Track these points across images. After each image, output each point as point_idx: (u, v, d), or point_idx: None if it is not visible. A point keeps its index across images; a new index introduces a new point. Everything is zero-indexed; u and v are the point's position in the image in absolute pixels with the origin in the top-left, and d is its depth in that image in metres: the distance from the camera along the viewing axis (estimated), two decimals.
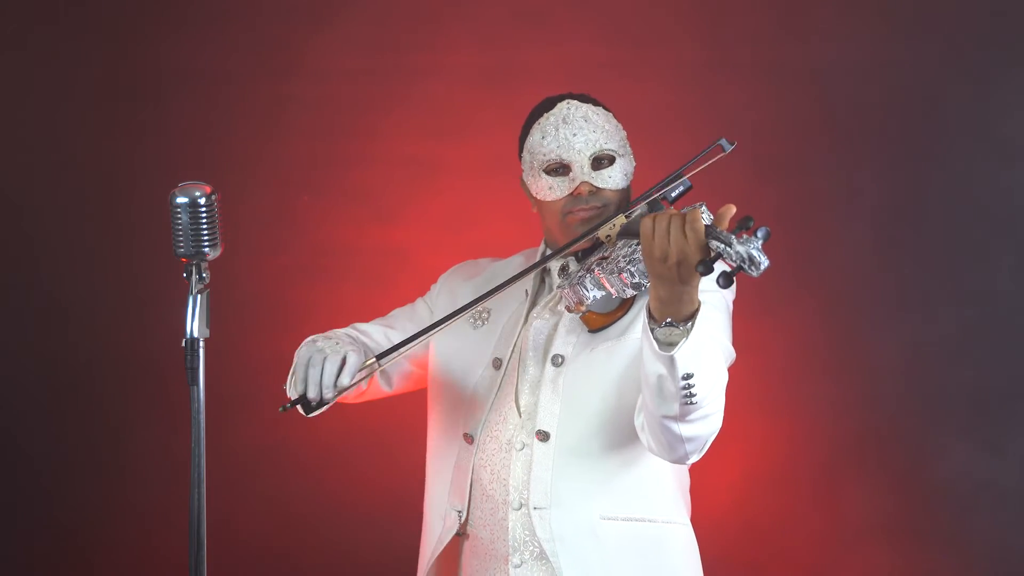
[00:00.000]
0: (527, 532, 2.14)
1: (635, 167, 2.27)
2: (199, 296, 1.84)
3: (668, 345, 1.87)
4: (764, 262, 1.75)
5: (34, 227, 3.68)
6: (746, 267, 1.75)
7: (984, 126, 3.42)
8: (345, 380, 2.08)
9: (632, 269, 1.97)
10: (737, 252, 1.75)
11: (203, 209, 1.81)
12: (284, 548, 3.61)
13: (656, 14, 3.53)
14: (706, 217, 1.91)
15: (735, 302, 2.27)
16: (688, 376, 1.87)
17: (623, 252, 2.02)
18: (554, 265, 2.27)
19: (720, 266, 1.79)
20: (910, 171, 3.45)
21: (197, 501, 1.82)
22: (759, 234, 1.76)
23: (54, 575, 3.65)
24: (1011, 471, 3.38)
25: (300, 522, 3.61)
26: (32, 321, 3.67)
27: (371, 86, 3.61)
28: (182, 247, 1.82)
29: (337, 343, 2.12)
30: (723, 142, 2.06)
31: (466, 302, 2.28)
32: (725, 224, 1.82)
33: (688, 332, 1.86)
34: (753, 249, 1.75)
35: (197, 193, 1.81)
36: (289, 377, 2.26)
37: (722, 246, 1.78)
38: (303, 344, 2.23)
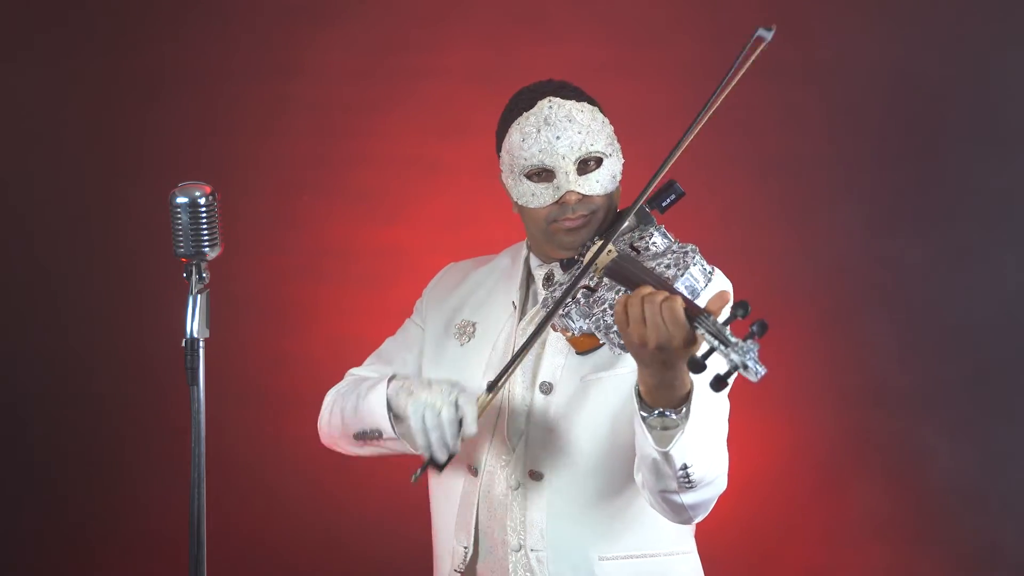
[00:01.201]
0: (528, 573, 2.08)
1: (624, 163, 2.15)
2: (199, 296, 1.84)
3: (663, 431, 1.79)
4: (760, 372, 1.59)
5: (34, 227, 3.68)
6: (742, 372, 1.60)
7: (984, 126, 3.42)
8: (471, 430, 1.91)
9: (618, 331, 1.83)
10: (731, 360, 1.60)
11: (203, 209, 1.81)
12: (284, 548, 3.61)
13: (656, 14, 3.53)
14: (700, 266, 1.82)
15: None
16: (686, 467, 1.81)
17: (609, 298, 1.90)
18: (539, 274, 2.15)
19: (713, 360, 1.63)
20: (910, 171, 3.45)
21: (197, 501, 1.82)
22: (754, 330, 1.60)
23: (55, 574, 3.65)
24: (1011, 470, 3.38)
25: (300, 522, 3.61)
26: (32, 321, 3.67)
27: (371, 86, 3.61)
28: (182, 247, 1.82)
29: (440, 389, 1.93)
30: (761, 32, 1.89)
31: (451, 317, 2.20)
32: (718, 311, 1.69)
33: (682, 423, 1.78)
34: (749, 359, 1.59)
35: (197, 193, 1.81)
36: (354, 411, 2.11)
37: (717, 343, 1.63)
38: (371, 392, 2.05)
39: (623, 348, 1.85)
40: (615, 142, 2.12)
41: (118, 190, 3.65)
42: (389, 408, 2.03)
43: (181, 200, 1.80)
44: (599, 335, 1.89)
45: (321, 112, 3.63)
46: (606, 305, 1.89)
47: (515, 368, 1.98)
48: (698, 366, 1.61)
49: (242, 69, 3.63)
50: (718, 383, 1.60)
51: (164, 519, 3.50)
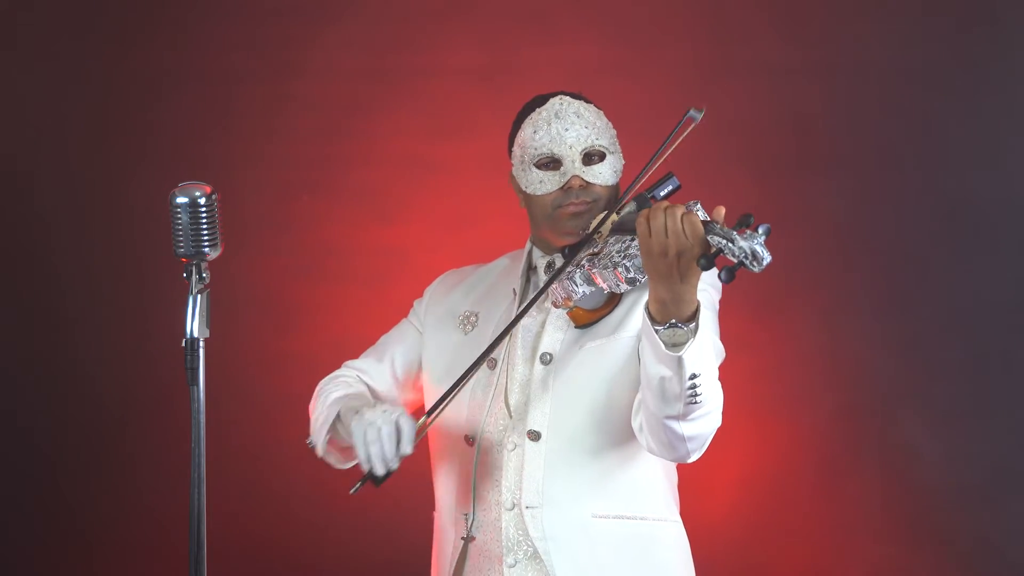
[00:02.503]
0: (520, 532, 2.14)
1: (624, 166, 2.27)
2: (199, 296, 1.84)
3: (674, 346, 1.88)
4: (767, 257, 1.75)
5: (34, 227, 3.68)
6: (748, 262, 1.75)
7: (985, 126, 3.42)
8: (407, 448, 2.06)
9: (628, 264, 1.97)
10: (740, 248, 1.75)
11: (203, 209, 1.81)
12: (284, 548, 3.61)
13: (656, 14, 3.53)
14: (702, 215, 1.91)
15: (728, 302, 2.27)
16: (694, 376, 1.89)
17: (616, 248, 2.02)
18: (540, 263, 2.27)
19: (721, 262, 1.79)
20: (910, 171, 3.45)
21: (197, 501, 1.82)
22: (760, 230, 1.76)
23: (55, 574, 3.65)
24: (1010, 469, 3.38)
25: (300, 522, 3.61)
26: (32, 321, 3.67)
27: (371, 86, 3.60)
28: (182, 247, 1.82)
29: (384, 411, 2.08)
30: (692, 113, 2.06)
31: (456, 309, 2.33)
32: (722, 221, 1.83)
33: (693, 332, 1.88)
34: (756, 244, 1.75)
35: (197, 193, 1.81)
36: (317, 431, 2.25)
37: (724, 241, 1.77)
38: (332, 402, 2.23)
39: (630, 283, 1.99)
40: (617, 144, 2.28)
41: (118, 190, 3.64)
42: (336, 427, 2.20)
43: (181, 200, 1.81)
44: (606, 275, 2.00)
45: (321, 112, 3.62)
46: (612, 252, 2.01)
47: (466, 383, 2.14)
48: (709, 262, 1.77)
49: (242, 69, 3.63)
50: (728, 273, 1.76)
51: (164, 519, 3.50)
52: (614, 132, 2.28)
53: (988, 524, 3.39)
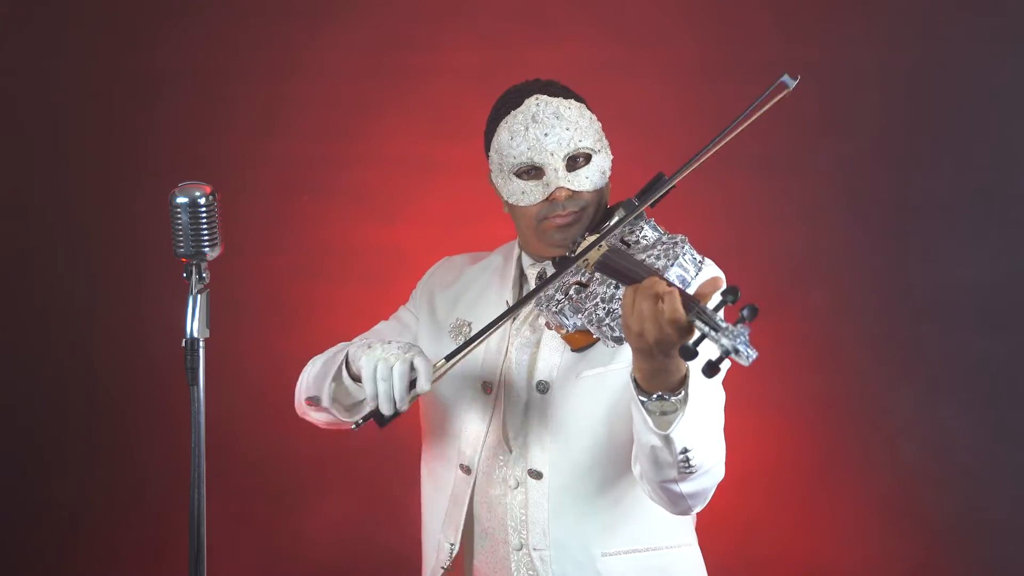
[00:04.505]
0: (531, 572, 2.10)
1: (616, 160, 2.16)
2: (199, 296, 1.84)
3: (662, 416, 1.79)
4: (752, 355, 1.59)
5: (34, 227, 3.68)
6: (733, 356, 1.60)
7: (984, 126, 3.42)
8: (425, 385, 1.89)
9: (611, 324, 1.86)
10: (722, 345, 1.60)
11: (203, 209, 1.81)
12: (285, 548, 3.61)
13: (656, 14, 3.54)
14: (687, 258, 1.82)
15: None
16: (686, 451, 1.81)
17: (601, 292, 1.91)
18: (531, 273, 2.16)
19: (705, 346, 1.64)
20: (910, 171, 3.45)
21: (197, 501, 1.82)
22: (745, 314, 1.60)
23: (54, 574, 3.65)
24: (1009, 468, 3.39)
25: (301, 522, 3.61)
26: (32, 321, 3.67)
27: (371, 86, 3.61)
28: (182, 247, 1.82)
29: (399, 346, 1.92)
30: (786, 78, 1.91)
31: (446, 316, 2.23)
32: (708, 298, 1.70)
33: (683, 403, 1.78)
34: (740, 343, 1.59)
35: (197, 193, 1.81)
36: (318, 381, 2.10)
37: (707, 329, 1.63)
38: (335, 351, 2.08)
39: (617, 341, 1.86)
40: (603, 138, 2.13)
41: (118, 190, 3.65)
42: (347, 366, 2.03)
43: (181, 200, 1.80)
44: (592, 329, 1.89)
45: (321, 112, 3.63)
46: (598, 299, 1.89)
47: (480, 343, 1.96)
48: (689, 353, 1.61)
49: (242, 69, 3.63)
50: (710, 369, 1.59)
51: (164, 519, 3.50)
52: (599, 126, 2.13)
53: (989, 520, 3.39)
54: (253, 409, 3.57)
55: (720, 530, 3.38)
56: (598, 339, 1.95)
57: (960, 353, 3.41)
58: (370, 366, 1.91)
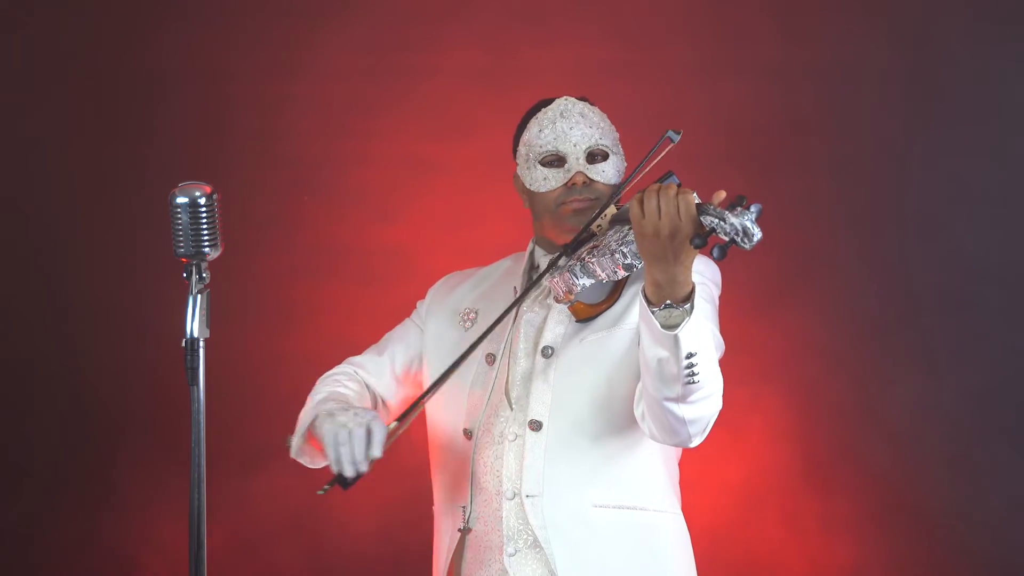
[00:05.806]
0: (520, 521, 2.16)
1: (626, 168, 2.30)
2: (199, 296, 1.84)
3: (670, 327, 1.90)
4: (757, 234, 1.79)
5: (34, 227, 3.68)
6: (739, 240, 1.80)
7: (984, 127, 3.42)
8: (376, 452, 2.06)
9: (624, 250, 2.01)
10: (731, 225, 1.79)
11: (203, 209, 1.81)
12: (285, 547, 3.61)
13: (656, 14, 3.54)
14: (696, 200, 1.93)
15: (728, 302, 2.28)
16: (691, 355, 1.91)
17: (614, 237, 2.06)
18: (543, 261, 2.29)
19: (714, 240, 1.82)
20: (909, 171, 3.45)
21: (197, 501, 1.82)
22: (752, 209, 1.81)
23: (54, 574, 3.65)
24: (1008, 468, 3.39)
25: (301, 522, 3.61)
26: (32, 321, 3.67)
27: (371, 86, 3.61)
28: (182, 247, 1.82)
29: (355, 414, 2.10)
30: (671, 133, 2.12)
31: (458, 307, 2.36)
32: (716, 204, 1.86)
33: (689, 312, 1.91)
34: (747, 221, 1.79)
35: (197, 193, 1.81)
36: (298, 436, 2.26)
37: (716, 220, 1.82)
38: (315, 404, 2.23)
39: (627, 269, 2.03)
40: (620, 146, 2.33)
41: (118, 190, 3.65)
42: (315, 428, 2.18)
43: (181, 200, 1.80)
44: (603, 266, 2.04)
45: (321, 112, 3.63)
46: (610, 241, 2.05)
47: (440, 386, 2.17)
48: (703, 240, 1.82)
49: (242, 69, 3.63)
50: (720, 251, 1.80)
51: (164, 519, 3.50)
52: (617, 135, 2.33)
53: (989, 519, 3.39)
54: (253, 409, 3.56)
55: (720, 530, 3.39)
56: (602, 310, 2.17)
57: (959, 352, 3.41)
58: (331, 433, 2.08)
